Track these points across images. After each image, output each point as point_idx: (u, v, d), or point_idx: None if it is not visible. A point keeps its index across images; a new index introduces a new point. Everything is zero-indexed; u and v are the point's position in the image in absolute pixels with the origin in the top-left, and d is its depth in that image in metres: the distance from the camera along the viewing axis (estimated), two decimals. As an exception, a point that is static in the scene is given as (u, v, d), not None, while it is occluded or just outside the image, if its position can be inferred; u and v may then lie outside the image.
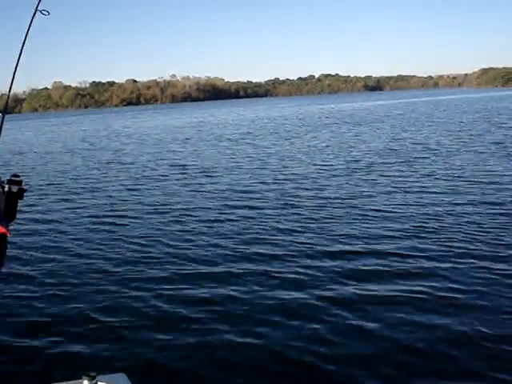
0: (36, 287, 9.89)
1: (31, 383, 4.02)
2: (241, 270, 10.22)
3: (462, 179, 18.27)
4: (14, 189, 2.85)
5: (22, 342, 7.62)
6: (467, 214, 13.61)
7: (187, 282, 9.79)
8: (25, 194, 2.87)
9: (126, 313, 8.51)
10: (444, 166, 21.13)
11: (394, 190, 17.13)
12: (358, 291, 8.95)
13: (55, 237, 13.57)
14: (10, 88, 3.22)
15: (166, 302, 8.90)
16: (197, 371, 6.73)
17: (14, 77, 3.22)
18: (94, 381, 3.50)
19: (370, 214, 14.10)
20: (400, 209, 14.48)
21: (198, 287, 9.46)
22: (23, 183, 2.87)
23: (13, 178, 2.88)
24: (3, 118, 2.92)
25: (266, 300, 8.75)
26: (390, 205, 15.00)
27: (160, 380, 6.57)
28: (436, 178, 18.66)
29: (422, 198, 15.72)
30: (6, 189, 2.83)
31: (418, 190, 16.88)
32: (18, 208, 2.92)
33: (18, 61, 3.28)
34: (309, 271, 9.96)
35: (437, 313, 7.99)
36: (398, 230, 12.35)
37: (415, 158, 24.00)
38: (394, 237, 11.88)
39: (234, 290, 9.23)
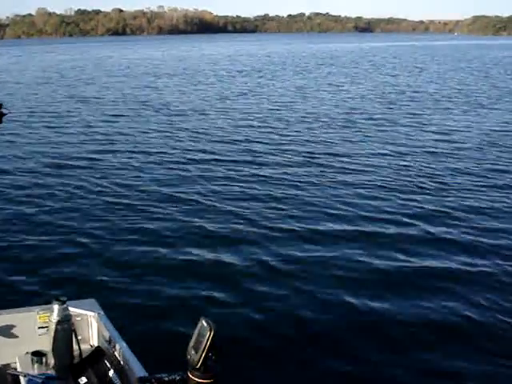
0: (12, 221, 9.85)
1: (1, 307, 4.04)
2: (206, 221, 10.05)
3: (457, 134, 17.57)
4: None
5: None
6: (457, 172, 13.06)
7: (155, 219, 9.77)
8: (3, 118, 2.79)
9: (96, 243, 8.73)
10: (439, 118, 20.44)
11: (383, 142, 16.44)
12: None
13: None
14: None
15: (137, 234, 9.10)
16: (162, 301, 6.90)
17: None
18: (65, 305, 3.58)
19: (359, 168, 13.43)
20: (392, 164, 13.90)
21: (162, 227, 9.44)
22: (3, 107, 2.80)
23: None
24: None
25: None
26: (380, 159, 14.37)
27: (130, 306, 6.73)
28: (426, 132, 17.99)
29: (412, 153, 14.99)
30: None
31: (408, 144, 16.13)
32: None
33: None
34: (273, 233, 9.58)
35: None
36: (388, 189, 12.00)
37: (405, 105, 23.60)
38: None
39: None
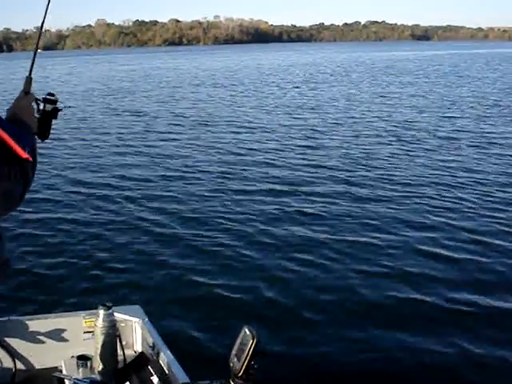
0: (57, 226, 10.17)
1: (49, 311, 4.37)
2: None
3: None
4: (49, 108, 2.74)
5: (43, 272, 8.07)
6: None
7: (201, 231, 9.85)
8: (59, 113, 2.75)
9: (140, 251, 8.87)
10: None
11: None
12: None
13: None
14: (42, 24, 2.93)
15: (180, 244, 9.19)
16: (205, 310, 6.90)
17: (45, 13, 2.88)
18: (110, 311, 3.60)
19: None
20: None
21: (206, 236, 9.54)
22: (58, 102, 2.77)
23: (48, 97, 2.75)
24: (35, 54, 2.78)
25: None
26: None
27: (174, 313, 6.77)
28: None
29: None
30: (41, 107, 2.72)
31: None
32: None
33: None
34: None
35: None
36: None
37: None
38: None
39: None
